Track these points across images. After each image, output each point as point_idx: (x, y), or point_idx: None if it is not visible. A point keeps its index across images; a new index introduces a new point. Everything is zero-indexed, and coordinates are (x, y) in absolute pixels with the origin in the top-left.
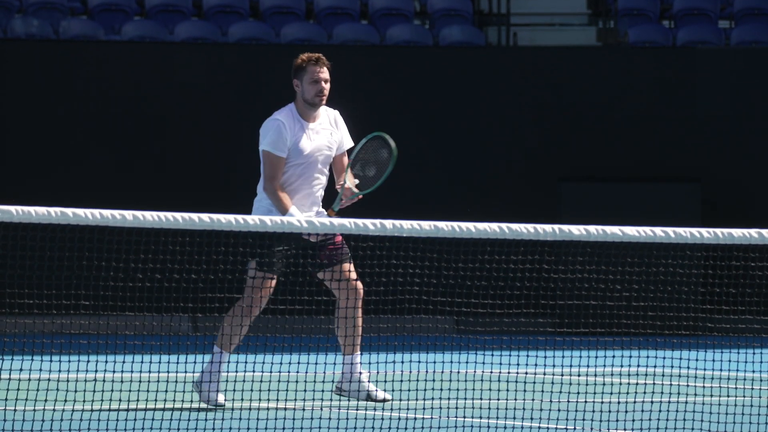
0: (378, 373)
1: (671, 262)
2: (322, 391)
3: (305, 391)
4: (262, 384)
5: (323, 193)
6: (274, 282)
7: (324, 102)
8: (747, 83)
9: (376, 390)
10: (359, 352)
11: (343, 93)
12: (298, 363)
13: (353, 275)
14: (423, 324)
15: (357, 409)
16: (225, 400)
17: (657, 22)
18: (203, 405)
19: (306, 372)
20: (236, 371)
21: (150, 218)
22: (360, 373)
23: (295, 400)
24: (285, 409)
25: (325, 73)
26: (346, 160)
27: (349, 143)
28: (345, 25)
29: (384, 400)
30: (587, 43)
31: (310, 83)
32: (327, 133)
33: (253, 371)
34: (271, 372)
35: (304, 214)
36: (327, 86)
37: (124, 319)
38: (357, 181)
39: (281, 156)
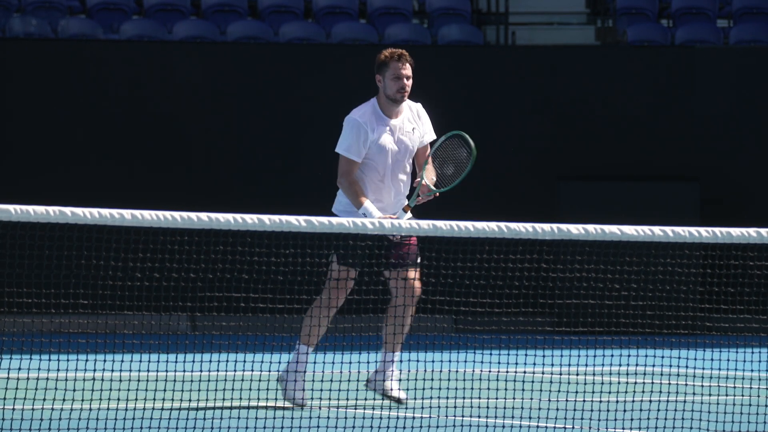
0: (377, 372)
1: (670, 261)
2: (321, 390)
3: (303, 390)
4: (261, 383)
5: (407, 187)
6: (354, 276)
7: (406, 98)
8: (746, 82)
9: (398, 390)
10: (399, 351)
11: (341, 92)
12: (297, 362)
13: (417, 282)
14: (421, 323)
15: (356, 408)
16: (310, 398)
17: (655, 21)
18: (285, 402)
19: (305, 371)
20: (234, 371)
21: (148, 217)
22: (392, 371)
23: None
24: (284, 408)
25: (407, 70)
26: (427, 152)
27: (431, 136)
28: (343, 24)
29: (398, 400)
30: (586, 42)
31: (392, 79)
32: (409, 127)
33: (252, 370)
34: (269, 371)
35: (381, 212)
36: (409, 83)
37: (123, 318)
38: (434, 179)
39: (355, 160)
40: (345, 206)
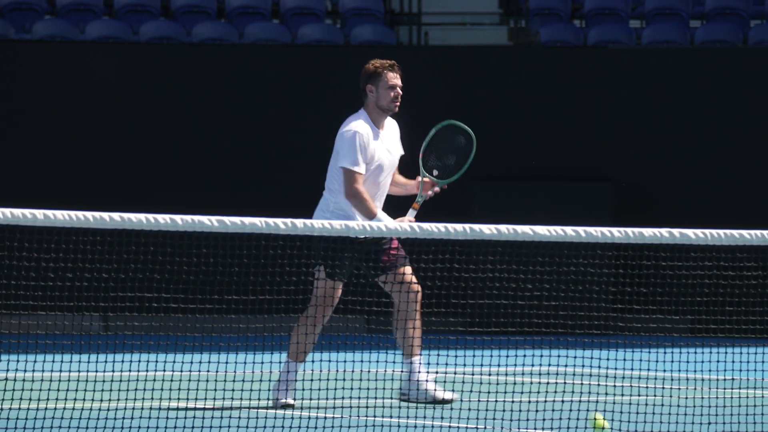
0: (289, 372)
1: (582, 261)
2: (233, 390)
3: (215, 390)
4: (173, 383)
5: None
6: (341, 288)
7: (398, 108)
8: (658, 83)
9: (441, 390)
10: (419, 354)
11: (254, 92)
12: (210, 362)
13: (413, 278)
14: (334, 323)
15: (267, 409)
16: (294, 399)
17: (568, 22)
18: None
19: (216, 371)
20: (147, 371)
21: (61, 217)
22: (425, 374)
23: (203, 399)
24: (195, 408)
25: (399, 79)
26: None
27: (402, 150)
28: (256, 24)
29: (448, 401)
30: (499, 42)
31: (387, 89)
32: (394, 140)
33: (164, 371)
34: (181, 371)
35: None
36: (401, 92)
37: (36, 318)
38: (436, 172)
39: (361, 172)
40: (333, 212)
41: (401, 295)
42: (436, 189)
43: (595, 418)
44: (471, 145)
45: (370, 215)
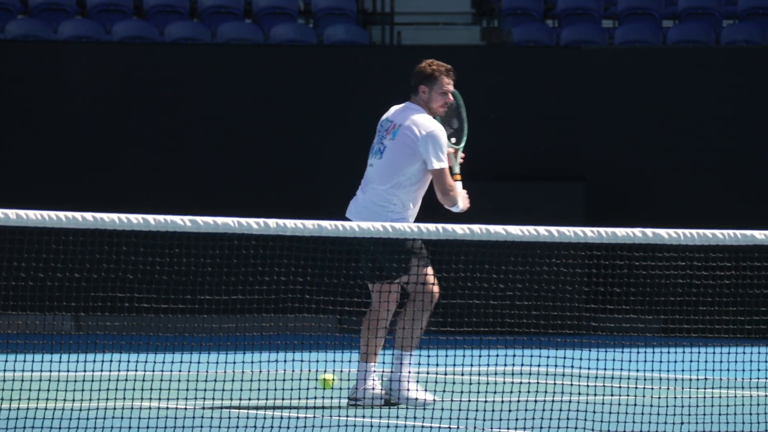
0: (261, 372)
1: (555, 261)
2: (204, 390)
3: (188, 390)
4: (144, 383)
5: None
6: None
7: None
8: (631, 82)
9: (418, 390)
10: (410, 353)
11: (227, 91)
12: (182, 362)
13: (433, 278)
14: (306, 323)
15: (239, 409)
16: (388, 396)
17: (541, 22)
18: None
19: (188, 371)
20: (119, 371)
21: (33, 217)
22: (408, 372)
23: (175, 399)
24: (167, 408)
25: (452, 85)
26: None
27: None
28: (229, 24)
29: (429, 401)
30: (471, 42)
31: (440, 93)
32: None
33: (136, 370)
34: (153, 371)
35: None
36: (451, 99)
37: (6, 318)
38: (453, 139)
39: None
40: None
41: (416, 293)
42: (462, 154)
43: (324, 379)
44: (459, 99)
45: (456, 201)
